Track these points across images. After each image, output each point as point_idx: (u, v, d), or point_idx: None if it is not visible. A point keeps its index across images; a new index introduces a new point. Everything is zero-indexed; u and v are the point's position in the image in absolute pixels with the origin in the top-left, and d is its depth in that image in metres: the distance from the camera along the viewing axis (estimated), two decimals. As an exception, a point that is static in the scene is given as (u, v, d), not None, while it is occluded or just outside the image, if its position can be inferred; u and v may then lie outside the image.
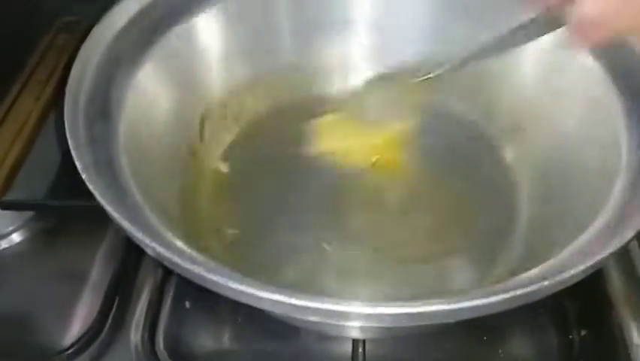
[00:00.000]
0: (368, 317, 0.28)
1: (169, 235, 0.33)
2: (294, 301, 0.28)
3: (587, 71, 0.41)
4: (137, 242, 0.31)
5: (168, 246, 0.31)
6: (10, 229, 0.50)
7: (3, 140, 0.51)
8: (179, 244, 0.32)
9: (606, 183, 0.36)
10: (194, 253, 0.32)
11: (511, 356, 0.42)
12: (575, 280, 0.30)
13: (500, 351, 0.42)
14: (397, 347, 0.43)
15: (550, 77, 0.45)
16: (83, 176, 0.33)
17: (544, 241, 0.39)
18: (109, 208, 0.32)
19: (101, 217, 0.48)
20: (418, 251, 0.43)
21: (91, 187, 0.32)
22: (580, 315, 0.42)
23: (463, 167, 0.48)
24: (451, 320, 0.28)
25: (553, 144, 0.44)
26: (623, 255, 0.45)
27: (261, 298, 0.29)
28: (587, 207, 0.36)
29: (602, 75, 0.40)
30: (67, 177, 0.52)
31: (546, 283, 0.28)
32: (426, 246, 0.44)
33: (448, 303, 0.27)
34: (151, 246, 0.30)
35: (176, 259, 0.30)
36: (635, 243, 0.46)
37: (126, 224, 0.31)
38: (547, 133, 0.45)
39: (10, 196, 0.48)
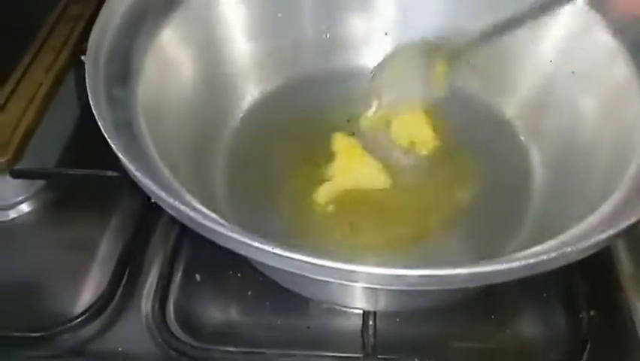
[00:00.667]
0: (386, 278, 0.28)
1: (185, 194, 0.33)
2: (313, 260, 0.28)
3: (606, 50, 0.41)
4: (156, 200, 0.31)
5: (188, 204, 0.32)
6: (20, 198, 0.50)
7: (15, 109, 0.50)
8: (197, 204, 0.32)
9: (621, 165, 0.37)
10: (209, 212, 0.32)
11: (519, 335, 0.43)
12: (590, 252, 0.31)
13: (508, 330, 0.43)
14: (406, 323, 0.43)
15: (569, 56, 0.45)
16: (104, 133, 0.32)
17: (557, 219, 0.40)
18: (129, 165, 0.32)
19: (111, 188, 0.49)
20: (430, 226, 0.44)
21: (112, 145, 0.32)
22: (589, 296, 0.43)
23: (480, 146, 0.48)
24: (472, 285, 0.29)
25: (571, 124, 0.44)
26: (634, 238, 0.46)
27: (280, 257, 0.29)
28: (600, 187, 0.37)
29: (622, 54, 0.41)
30: (79, 146, 0.53)
31: (569, 249, 0.28)
32: (439, 221, 0.44)
33: (470, 267, 0.27)
34: (172, 204, 0.30)
35: (199, 219, 0.30)
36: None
37: (146, 181, 0.31)
38: (565, 112, 0.45)
39: (20, 165, 0.47)
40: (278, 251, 0.28)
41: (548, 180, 0.44)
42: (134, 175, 0.32)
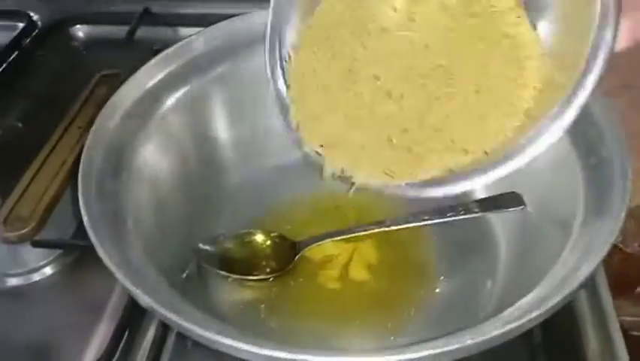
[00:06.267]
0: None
1: (165, 290, 0.38)
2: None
3: None
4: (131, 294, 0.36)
5: (162, 302, 0.36)
6: (43, 263, 0.56)
7: (42, 182, 0.56)
8: (176, 300, 0.37)
9: (564, 238, 0.40)
10: (188, 307, 0.37)
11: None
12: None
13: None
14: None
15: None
16: (85, 224, 0.37)
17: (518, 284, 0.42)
18: (107, 260, 0.36)
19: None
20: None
21: (91, 236, 0.37)
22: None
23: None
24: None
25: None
26: (600, 314, 0.47)
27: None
28: (548, 258, 0.40)
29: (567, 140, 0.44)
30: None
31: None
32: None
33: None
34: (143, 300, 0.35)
35: (169, 315, 0.34)
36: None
37: (120, 275, 0.36)
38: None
39: (42, 235, 0.53)
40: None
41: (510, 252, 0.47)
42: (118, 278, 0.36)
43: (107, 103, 0.46)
